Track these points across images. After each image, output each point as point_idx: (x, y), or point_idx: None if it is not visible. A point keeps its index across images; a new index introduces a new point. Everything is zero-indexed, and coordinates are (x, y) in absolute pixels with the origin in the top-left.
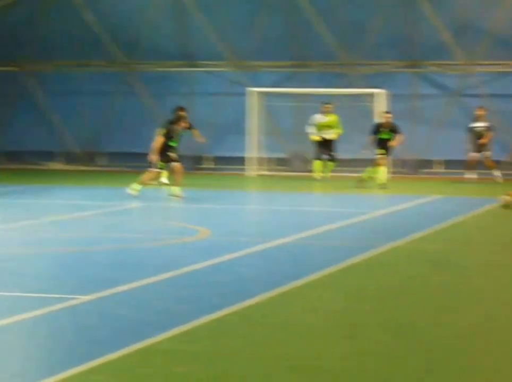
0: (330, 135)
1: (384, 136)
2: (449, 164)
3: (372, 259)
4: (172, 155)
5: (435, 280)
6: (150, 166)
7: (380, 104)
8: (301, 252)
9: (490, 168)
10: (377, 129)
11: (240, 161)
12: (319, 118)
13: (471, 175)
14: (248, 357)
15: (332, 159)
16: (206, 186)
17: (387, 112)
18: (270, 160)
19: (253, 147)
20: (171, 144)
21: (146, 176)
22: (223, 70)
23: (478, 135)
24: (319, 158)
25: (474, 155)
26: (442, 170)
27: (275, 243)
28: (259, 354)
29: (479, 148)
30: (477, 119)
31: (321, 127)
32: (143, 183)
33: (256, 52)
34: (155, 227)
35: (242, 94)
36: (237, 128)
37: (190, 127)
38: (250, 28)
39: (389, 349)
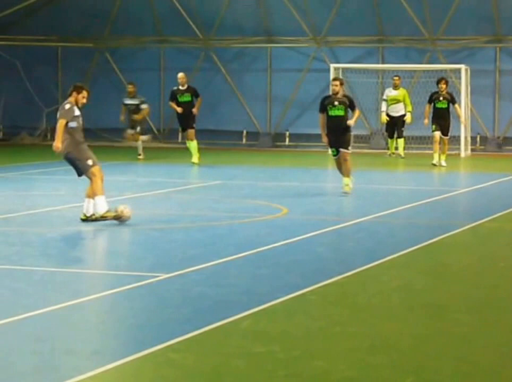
0: (397, 112)
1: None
2: None
3: (453, 237)
4: None
5: None
6: None
7: (464, 80)
8: (380, 231)
9: None
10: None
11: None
12: (388, 91)
13: None
14: (328, 337)
15: (400, 136)
16: (285, 163)
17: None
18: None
19: None
20: None
21: None
22: (304, 46)
23: None
24: (391, 136)
25: None
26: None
27: (354, 222)
28: (340, 334)
29: None
30: None
31: (391, 101)
32: None
33: (337, 28)
34: (233, 205)
35: (323, 70)
36: (317, 104)
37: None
38: (331, 3)
39: (471, 329)
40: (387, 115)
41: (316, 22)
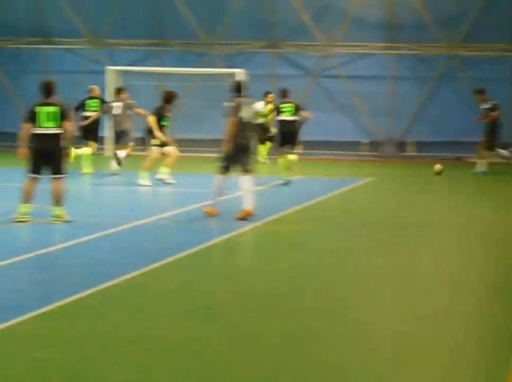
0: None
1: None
2: (307, 144)
3: (231, 240)
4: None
5: (290, 261)
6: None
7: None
8: (159, 233)
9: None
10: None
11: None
12: (259, 106)
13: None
14: (106, 341)
15: None
16: None
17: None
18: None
19: (110, 126)
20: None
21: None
22: (81, 48)
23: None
24: None
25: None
26: (302, 151)
27: (132, 225)
28: (117, 337)
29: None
30: (481, 101)
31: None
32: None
33: (115, 30)
34: (11, 208)
35: (101, 72)
36: None
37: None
38: (109, 5)
39: (251, 330)
40: None
41: (94, 24)
